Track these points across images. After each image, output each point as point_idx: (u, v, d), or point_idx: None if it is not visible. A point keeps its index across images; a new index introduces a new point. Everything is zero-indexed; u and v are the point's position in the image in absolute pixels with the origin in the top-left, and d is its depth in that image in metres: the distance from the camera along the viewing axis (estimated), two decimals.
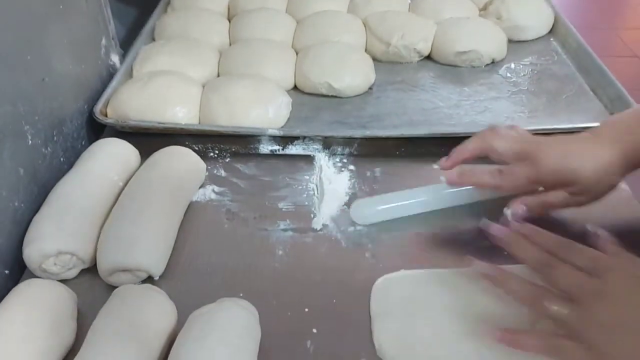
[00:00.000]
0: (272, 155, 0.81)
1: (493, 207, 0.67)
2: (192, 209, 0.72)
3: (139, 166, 0.74)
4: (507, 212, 0.64)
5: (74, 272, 0.63)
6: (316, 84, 0.91)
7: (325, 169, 0.78)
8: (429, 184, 0.72)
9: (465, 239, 0.68)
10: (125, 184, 0.70)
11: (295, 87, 0.94)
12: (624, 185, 0.72)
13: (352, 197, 0.74)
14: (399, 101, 0.91)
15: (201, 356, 0.49)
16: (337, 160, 0.80)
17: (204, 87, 0.88)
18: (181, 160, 0.73)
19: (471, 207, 0.71)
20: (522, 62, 1.00)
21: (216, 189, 0.76)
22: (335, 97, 0.91)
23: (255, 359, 0.53)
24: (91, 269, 0.64)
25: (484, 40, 0.99)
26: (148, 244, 0.62)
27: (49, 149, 0.73)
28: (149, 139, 0.80)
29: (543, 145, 0.63)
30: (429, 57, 1.01)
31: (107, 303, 0.56)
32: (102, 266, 0.62)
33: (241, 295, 0.60)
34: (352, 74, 0.91)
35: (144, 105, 0.83)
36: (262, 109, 0.84)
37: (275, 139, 0.82)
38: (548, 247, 0.55)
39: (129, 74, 0.93)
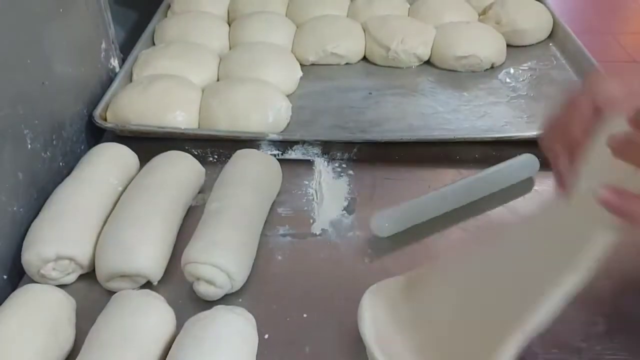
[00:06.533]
0: None
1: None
2: (191, 213, 0.72)
3: (138, 171, 0.74)
4: None
5: (72, 277, 0.63)
6: None
7: (324, 173, 0.78)
8: (428, 189, 0.73)
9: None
10: (125, 189, 0.70)
11: (295, 92, 0.94)
12: None
13: (352, 202, 0.74)
14: (398, 106, 0.91)
15: None
16: (337, 165, 0.80)
17: (203, 91, 0.88)
18: (180, 165, 0.73)
19: (472, 210, 0.71)
20: (521, 67, 1.00)
21: None
22: (335, 101, 0.91)
23: None
24: (90, 274, 0.64)
25: (483, 45, 0.99)
26: (147, 249, 0.62)
27: (48, 153, 0.73)
28: (148, 144, 0.80)
29: None
30: (428, 62, 1.01)
31: (106, 308, 0.56)
32: (101, 271, 0.62)
33: (240, 300, 0.60)
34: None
35: (144, 109, 0.83)
36: (262, 114, 0.84)
37: (275, 143, 0.82)
38: None
39: (129, 78, 0.93)
